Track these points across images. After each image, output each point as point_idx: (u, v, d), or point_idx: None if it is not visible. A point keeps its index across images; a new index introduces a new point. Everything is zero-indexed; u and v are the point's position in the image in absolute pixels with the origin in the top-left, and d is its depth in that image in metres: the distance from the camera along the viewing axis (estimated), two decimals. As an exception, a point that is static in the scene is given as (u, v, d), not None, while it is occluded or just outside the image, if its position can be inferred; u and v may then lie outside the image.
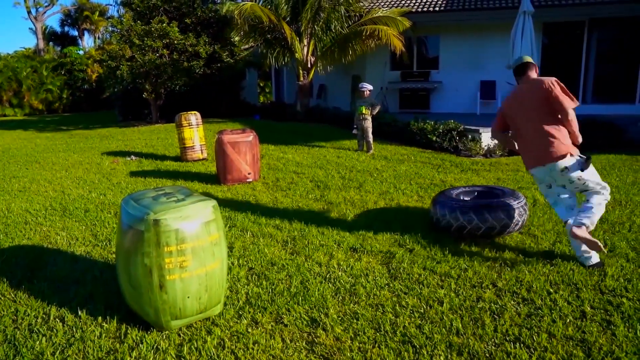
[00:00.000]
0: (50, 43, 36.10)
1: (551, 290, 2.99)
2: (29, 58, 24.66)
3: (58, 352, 2.42)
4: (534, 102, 3.42)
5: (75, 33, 37.76)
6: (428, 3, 12.48)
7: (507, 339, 2.47)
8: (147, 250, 2.39)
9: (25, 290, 3.09)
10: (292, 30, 12.79)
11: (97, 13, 35.32)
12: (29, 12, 31.90)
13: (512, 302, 2.85)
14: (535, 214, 4.54)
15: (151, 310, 2.48)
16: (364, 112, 8.10)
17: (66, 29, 37.60)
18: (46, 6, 32.74)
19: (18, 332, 2.61)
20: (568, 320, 2.63)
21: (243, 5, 11.50)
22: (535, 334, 2.50)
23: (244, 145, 6.13)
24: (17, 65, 22.56)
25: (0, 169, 7.71)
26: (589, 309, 2.75)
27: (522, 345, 2.42)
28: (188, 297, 2.49)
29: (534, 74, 3.61)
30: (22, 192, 5.96)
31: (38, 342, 2.50)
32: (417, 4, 12.60)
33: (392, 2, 13.09)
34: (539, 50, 11.09)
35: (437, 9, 12.06)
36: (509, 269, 3.31)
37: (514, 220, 3.80)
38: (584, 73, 11.79)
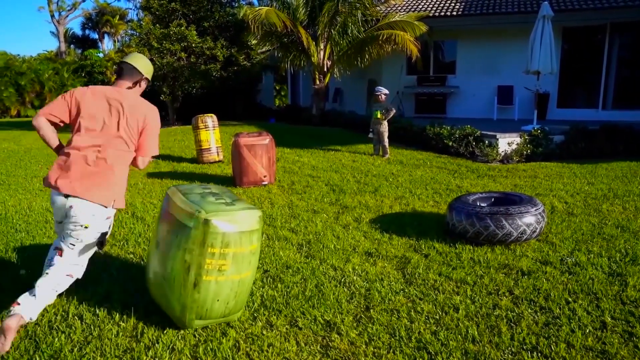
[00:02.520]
0: (72, 46, 36.87)
1: (570, 299, 2.94)
2: (51, 60, 25.23)
3: (76, 349, 2.46)
4: None
5: (96, 36, 38.54)
6: (445, 8, 12.42)
7: (524, 348, 2.44)
8: (190, 247, 2.38)
9: (45, 288, 3.14)
10: (309, 34, 12.84)
11: (117, 17, 35.99)
12: (52, 16, 32.62)
13: (530, 311, 2.81)
14: (554, 221, 4.47)
15: (178, 306, 2.48)
16: (378, 116, 8.09)
17: (87, 32, 38.42)
18: (68, 10, 33.45)
19: (38, 328, 2.66)
20: (587, 331, 2.58)
21: (259, 10, 11.56)
22: (553, 344, 2.46)
23: (260, 148, 6.17)
24: (40, 68, 23.08)
25: (22, 168, 7.89)
26: (609, 319, 2.70)
27: (539, 354, 2.38)
28: (217, 300, 2.49)
29: None
30: (43, 192, 6.08)
31: (57, 339, 2.54)
32: (434, 8, 12.55)
33: (409, 7, 13.06)
34: (558, 55, 10.95)
35: (454, 13, 12.00)
36: (526, 277, 3.27)
37: (532, 228, 3.75)
38: (605, 79, 11.59)
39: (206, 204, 2.46)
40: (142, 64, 2.84)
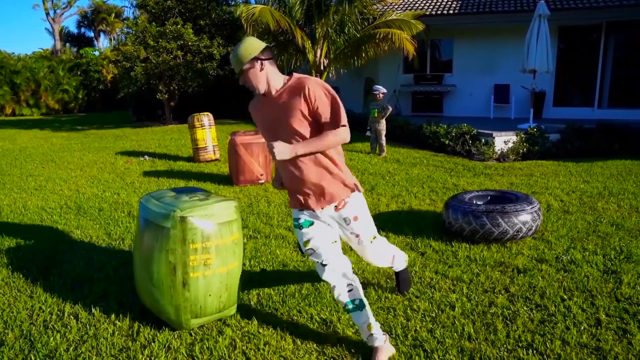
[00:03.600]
0: (67, 44, 36.69)
1: (565, 296, 2.95)
2: (46, 59, 25.07)
3: (72, 348, 2.45)
4: None
5: (92, 34, 38.35)
6: (442, 6, 12.42)
7: (520, 345, 2.45)
8: (172, 247, 2.40)
9: (41, 287, 3.14)
10: (306, 32, 12.81)
11: (113, 15, 35.83)
12: (47, 14, 32.48)
13: (525, 308, 2.82)
14: (549, 219, 4.48)
15: (172, 308, 2.49)
16: (375, 115, 8.10)
17: (82, 30, 38.22)
18: (64, 8, 33.30)
19: (33, 327, 2.65)
20: (582, 328, 2.59)
21: (253, 9, 11.48)
22: (549, 341, 2.47)
23: (256, 147, 6.16)
24: (35, 66, 22.95)
25: (17, 167, 7.85)
26: (604, 316, 2.71)
27: (534, 352, 2.39)
28: (209, 295, 2.50)
29: None
30: (38, 191, 6.06)
31: (52, 338, 2.53)
32: (430, 7, 12.55)
33: (406, 5, 13.06)
34: (554, 54, 10.98)
35: (450, 12, 12.00)
36: (522, 275, 3.28)
37: (528, 226, 3.76)
38: (601, 77, 11.63)
39: (180, 202, 2.50)
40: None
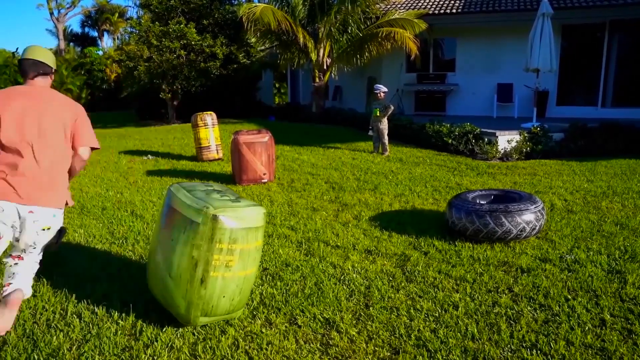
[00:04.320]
0: (71, 44, 36.79)
1: (569, 296, 2.94)
2: (50, 58, 25.12)
3: (75, 347, 2.46)
4: None
5: (95, 34, 38.45)
6: (445, 5, 12.39)
7: (524, 345, 2.44)
8: (198, 242, 2.38)
9: (44, 286, 3.14)
10: (309, 32, 12.81)
11: (117, 14, 35.90)
12: (51, 14, 32.56)
13: (529, 308, 2.81)
14: (553, 219, 4.46)
15: (184, 303, 2.47)
16: (377, 114, 8.09)
17: (86, 29, 38.33)
18: (68, 8, 33.39)
19: (36, 326, 2.65)
20: (587, 328, 2.58)
21: (254, 8, 11.47)
22: (553, 341, 2.46)
23: (259, 146, 6.16)
24: (39, 66, 23.00)
25: (21, 166, 7.87)
26: (608, 316, 2.69)
27: (539, 352, 2.38)
28: (224, 297, 2.49)
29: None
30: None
31: (55, 337, 2.53)
32: (433, 6, 12.52)
33: (409, 4, 13.03)
34: (558, 53, 10.93)
35: (453, 11, 11.97)
36: (525, 274, 3.26)
37: (531, 225, 3.75)
38: (604, 76, 11.57)
39: (212, 200, 2.47)
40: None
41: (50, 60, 2.67)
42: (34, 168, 2.45)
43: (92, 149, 2.70)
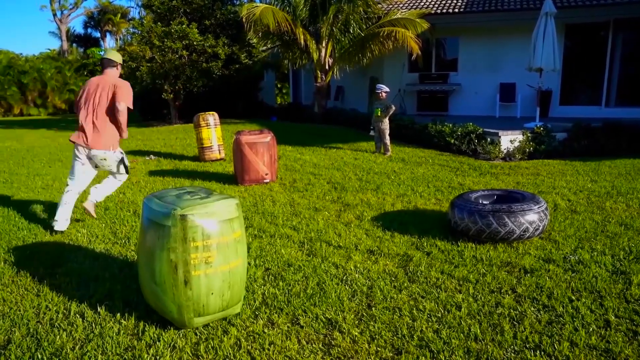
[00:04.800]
0: (74, 44, 36.91)
1: (573, 297, 2.92)
2: (53, 59, 25.26)
3: (78, 347, 2.46)
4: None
5: (98, 35, 38.57)
6: (447, 5, 12.37)
7: (527, 346, 2.42)
8: (173, 245, 2.41)
9: (48, 286, 3.15)
10: (311, 32, 12.80)
11: (119, 15, 36.01)
12: (54, 15, 32.70)
13: (532, 309, 2.79)
14: (556, 219, 4.45)
15: (174, 307, 2.49)
16: (378, 114, 8.08)
17: (89, 30, 38.46)
18: (70, 9, 33.51)
19: (40, 326, 2.66)
20: (591, 329, 2.56)
21: (254, 9, 11.47)
22: (557, 342, 2.44)
23: (261, 146, 6.16)
24: (42, 67, 23.12)
25: (24, 166, 7.90)
26: (613, 317, 2.68)
27: (542, 353, 2.36)
28: (212, 294, 2.50)
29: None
30: (45, 190, 6.09)
31: (59, 337, 2.54)
32: (435, 5, 12.50)
33: (411, 4, 13.02)
34: (561, 52, 10.90)
35: (456, 10, 11.95)
36: (528, 275, 3.25)
37: (535, 225, 3.73)
38: (608, 76, 11.53)
39: (181, 201, 2.51)
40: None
41: (115, 57, 4.42)
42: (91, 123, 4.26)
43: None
